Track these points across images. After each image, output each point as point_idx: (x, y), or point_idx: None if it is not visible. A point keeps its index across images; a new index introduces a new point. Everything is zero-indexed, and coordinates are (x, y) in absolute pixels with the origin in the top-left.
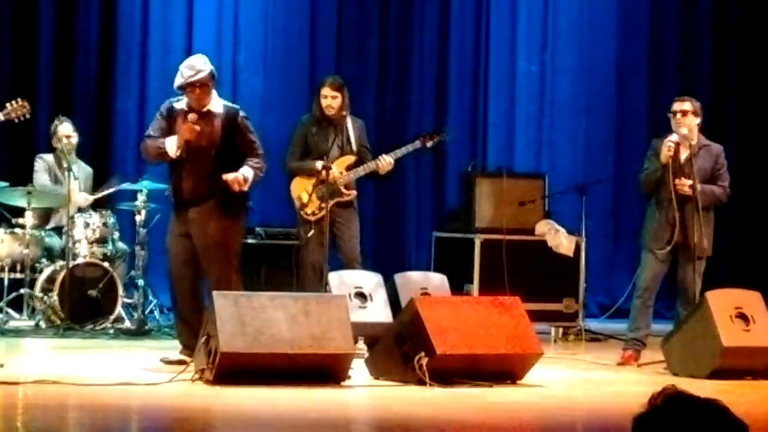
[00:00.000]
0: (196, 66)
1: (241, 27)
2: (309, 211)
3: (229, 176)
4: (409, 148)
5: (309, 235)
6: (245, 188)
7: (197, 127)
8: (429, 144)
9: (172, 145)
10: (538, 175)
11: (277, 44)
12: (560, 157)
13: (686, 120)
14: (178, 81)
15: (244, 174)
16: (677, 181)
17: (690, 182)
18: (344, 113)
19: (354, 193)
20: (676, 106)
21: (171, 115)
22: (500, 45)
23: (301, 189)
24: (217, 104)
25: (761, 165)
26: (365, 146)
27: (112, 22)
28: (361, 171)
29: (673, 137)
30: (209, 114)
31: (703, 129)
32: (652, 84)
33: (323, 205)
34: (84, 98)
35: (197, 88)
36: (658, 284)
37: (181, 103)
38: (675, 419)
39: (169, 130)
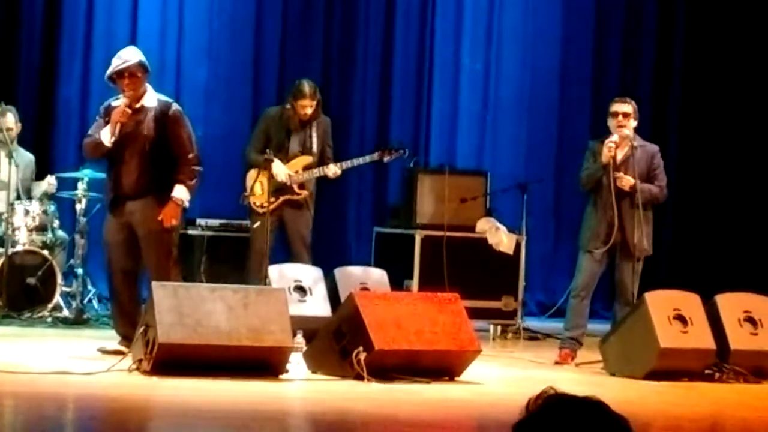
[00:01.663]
0: (124, 56)
1: (186, 17)
2: (257, 202)
3: (163, 213)
4: (366, 159)
5: (255, 226)
6: (177, 222)
7: (128, 110)
8: (386, 159)
9: (106, 134)
10: (480, 173)
11: (222, 35)
12: (502, 156)
13: (627, 122)
14: (108, 71)
15: (177, 200)
16: (618, 174)
17: (630, 178)
18: (316, 115)
19: (305, 193)
20: (617, 107)
21: (108, 113)
22: (445, 43)
23: (257, 180)
24: (150, 99)
25: (701, 167)
26: (328, 145)
27: (56, 10)
28: (315, 173)
29: (614, 138)
30: (142, 109)
31: (642, 130)
32: (594, 84)
33: (272, 199)
34: (27, 86)
35: (126, 78)
36: (594, 283)
37: (118, 101)
38: (553, 422)
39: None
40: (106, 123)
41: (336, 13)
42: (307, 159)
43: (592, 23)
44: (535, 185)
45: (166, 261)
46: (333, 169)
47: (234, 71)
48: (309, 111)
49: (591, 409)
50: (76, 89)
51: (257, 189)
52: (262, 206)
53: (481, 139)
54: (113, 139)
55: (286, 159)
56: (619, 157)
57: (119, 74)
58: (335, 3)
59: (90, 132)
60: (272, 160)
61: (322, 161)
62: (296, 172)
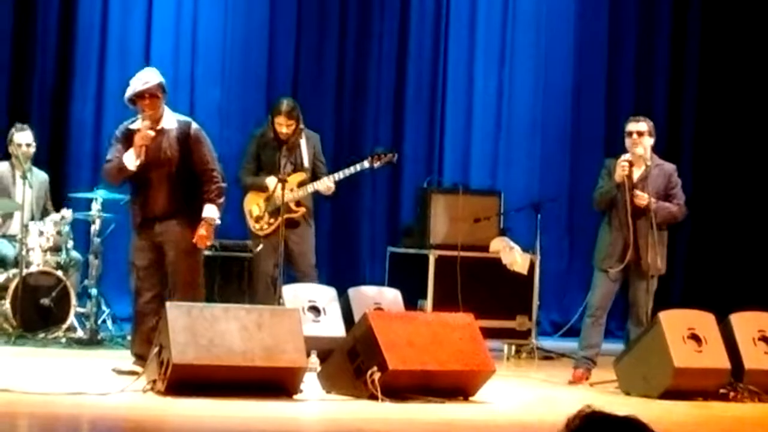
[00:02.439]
0: (144, 77)
1: (200, 37)
2: (258, 226)
3: (198, 236)
4: (357, 168)
5: (257, 249)
6: (211, 241)
7: (151, 133)
8: (377, 164)
9: (130, 158)
10: (494, 192)
11: (235, 55)
12: (516, 175)
13: (642, 140)
14: (128, 92)
15: (209, 220)
16: (635, 192)
17: (647, 195)
18: (298, 133)
19: (302, 210)
20: (632, 126)
21: (127, 136)
22: (458, 61)
23: (253, 204)
24: (170, 120)
25: (716, 186)
26: (320, 161)
27: (70, 30)
28: (309, 189)
29: (627, 156)
30: (162, 130)
31: (657, 148)
32: (608, 102)
33: (272, 220)
34: (41, 105)
35: (146, 99)
36: (609, 303)
37: (135, 124)
38: None
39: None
40: (126, 147)
41: (349, 34)
42: (301, 176)
43: (605, 41)
44: (548, 204)
45: (195, 281)
46: (325, 183)
47: (247, 91)
48: (284, 129)
49: (631, 427)
50: (90, 109)
51: (255, 211)
52: (261, 228)
53: (494, 158)
54: (138, 163)
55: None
56: (636, 175)
57: (140, 96)
58: (349, 23)
59: (109, 157)
60: (286, 180)
61: (314, 177)
62: (291, 189)
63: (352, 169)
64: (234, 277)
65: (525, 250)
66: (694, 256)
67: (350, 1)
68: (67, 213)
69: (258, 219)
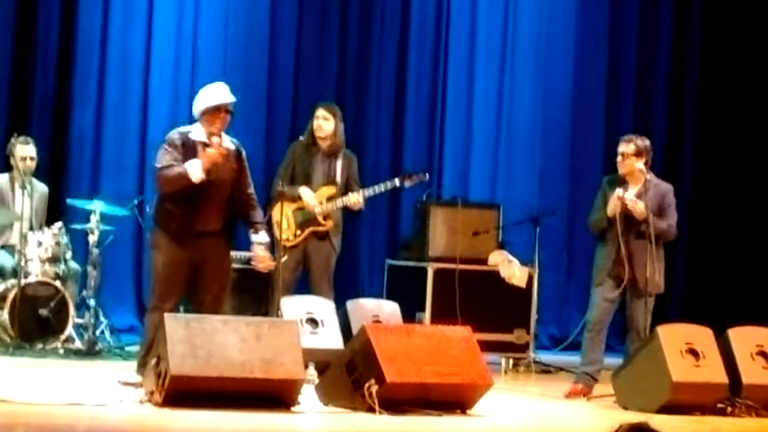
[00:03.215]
0: (223, 91)
1: (200, 45)
2: (284, 236)
3: (261, 259)
4: (388, 186)
5: (282, 260)
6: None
7: (225, 149)
8: (408, 184)
9: (196, 170)
10: (493, 206)
11: (235, 62)
12: (515, 188)
13: (626, 162)
14: (210, 102)
15: (266, 243)
16: (634, 200)
17: (643, 205)
18: (336, 141)
19: (330, 223)
20: (619, 147)
21: (187, 146)
22: (458, 72)
23: (278, 213)
24: (227, 140)
25: (715, 199)
26: (355, 181)
27: (71, 39)
28: (338, 204)
29: (619, 191)
30: (228, 150)
31: (656, 160)
32: (608, 116)
33: (299, 231)
34: (40, 115)
35: (223, 113)
36: (608, 319)
37: (195, 134)
38: None
39: (184, 162)
40: (184, 155)
41: (350, 41)
42: (331, 190)
43: (605, 50)
44: (547, 218)
45: (226, 297)
46: (354, 198)
47: (248, 98)
48: (322, 124)
49: None
50: (90, 119)
51: (284, 222)
52: (288, 239)
53: (493, 171)
54: (203, 177)
55: (313, 190)
56: (633, 193)
57: (218, 109)
58: (349, 31)
59: (165, 163)
60: (283, 193)
61: (345, 194)
62: (320, 203)
63: (382, 187)
64: (247, 290)
65: (523, 263)
66: (692, 270)
67: (351, 10)
68: (56, 230)
69: (285, 230)
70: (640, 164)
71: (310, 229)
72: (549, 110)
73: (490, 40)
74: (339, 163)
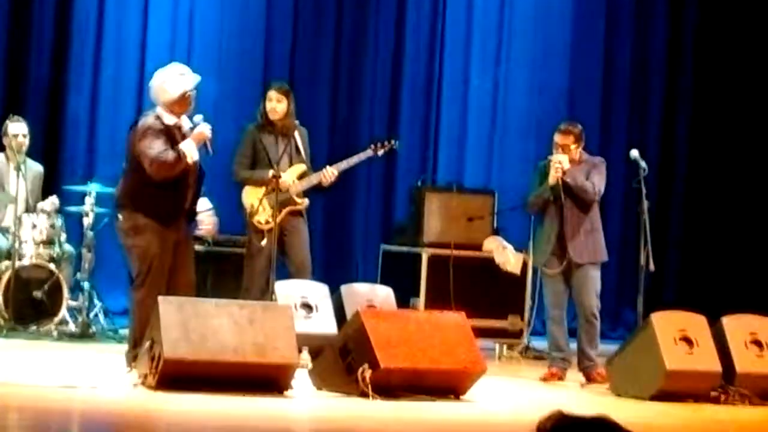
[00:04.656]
0: (190, 73)
1: (195, 33)
2: (262, 219)
3: (213, 225)
4: (361, 157)
5: (262, 243)
6: None
7: (209, 128)
8: (380, 152)
9: (192, 151)
10: (488, 192)
11: (231, 50)
12: (510, 174)
13: (567, 151)
14: (185, 86)
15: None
16: (552, 157)
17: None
18: (289, 120)
19: (306, 201)
20: (559, 139)
21: (169, 132)
22: (454, 60)
23: (253, 197)
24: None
25: (709, 187)
26: (308, 155)
27: (66, 23)
28: (313, 180)
29: (559, 157)
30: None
31: (651, 146)
32: (603, 102)
33: (275, 213)
34: (35, 99)
35: (192, 93)
36: (562, 301)
37: (168, 119)
38: None
39: (171, 147)
40: (170, 142)
41: (345, 32)
42: (301, 167)
43: (601, 43)
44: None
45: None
46: (330, 171)
47: (243, 87)
48: (276, 105)
49: (602, 428)
50: (85, 103)
51: (255, 205)
52: (266, 222)
53: (489, 157)
54: (197, 158)
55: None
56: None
57: (189, 90)
58: (344, 21)
59: (159, 148)
60: (279, 176)
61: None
62: (292, 181)
63: (355, 159)
64: (227, 274)
65: (518, 249)
66: (686, 258)
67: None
68: (54, 200)
69: (258, 213)
70: (577, 153)
71: (287, 209)
72: (544, 97)
73: (486, 26)
74: (299, 141)
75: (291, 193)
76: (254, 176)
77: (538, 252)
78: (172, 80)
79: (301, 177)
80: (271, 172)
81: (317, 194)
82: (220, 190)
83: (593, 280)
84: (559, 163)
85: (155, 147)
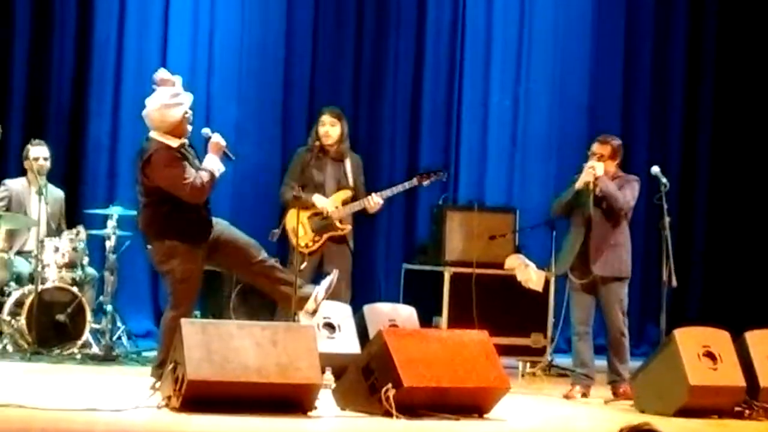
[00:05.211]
0: (180, 90)
1: (215, 55)
2: (302, 243)
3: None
4: (406, 186)
5: (302, 267)
6: None
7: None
8: (425, 183)
9: (218, 165)
10: (509, 210)
11: (251, 72)
12: (531, 192)
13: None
14: (185, 106)
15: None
16: (586, 163)
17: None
18: (343, 145)
19: (348, 227)
20: (597, 148)
21: (182, 155)
22: (474, 78)
23: (295, 220)
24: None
25: (733, 200)
26: (361, 182)
27: (86, 46)
28: (355, 207)
29: (593, 162)
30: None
31: (672, 159)
32: (624, 121)
33: (317, 237)
34: (57, 122)
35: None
36: (589, 316)
37: (174, 143)
38: None
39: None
40: (187, 161)
41: (365, 51)
42: (346, 193)
43: (621, 60)
44: (563, 222)
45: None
46: (374, 199)
47: (263, 108)
48: (329, 130)
49: None
50: (107, 126)
51: (300, 230)
52: (306, 246)
53: (510, 175)
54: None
55: (324, 196)
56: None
57: (186, 113)
58: (365, 40)
59: (190, 174)
60: (300, 197)
61: (355, 197)
62: (336, 207)
63: (400, 188)
64: (254, 293)
65: (540, 267)
66: (709, 273)
67: (366, 19)
68: (80, 230)
69: (302, 237)
70: (612, 167)
71: (328, 234)
72: (565, 115)
73: (506, 44)
74: (348, 167)
75: (333, 218)
76: (300, 199)
77: (561, 261)
78: (170, 102)
79: (345, 203)
80: (293, 193)
81: (366, 218)
82: (249, 210)
83: (619, 296)
84: (593, 168)
85: (187, 174)
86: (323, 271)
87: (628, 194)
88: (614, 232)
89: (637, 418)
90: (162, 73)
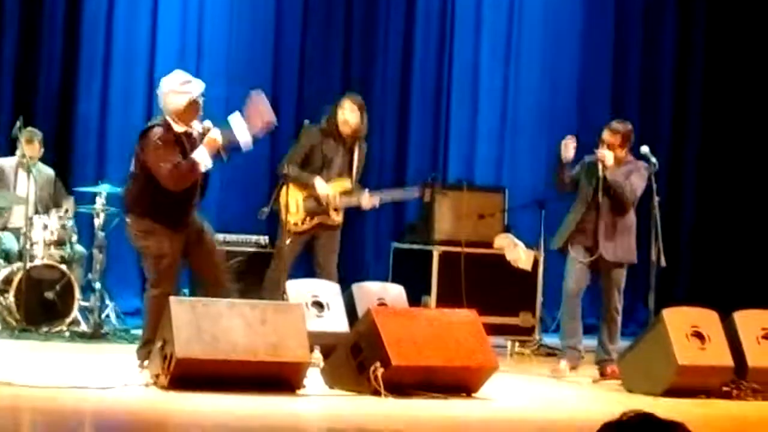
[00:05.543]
0: (194, 80)
1: (205, 39)
2: (292, 220)
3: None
4: (406, 195)
5: (287, 243)
6: None
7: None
8: (427, 198)
9: (206, 160)
10: (498, 189)
11: (240, 54)
12: (521, 172)
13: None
14: (194, 94)
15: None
16: (597, 151)
17: (609, 154)
18: (361, 135)
19: (340, 218)
20: (607, 136)
21: (179, 140)
22: (463, 58)
23: (292, 198)
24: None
25: (721, 184)
26: (359, 172)
27: (76, 29)
28: (352, 203)
29: (603, 152)
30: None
31: (662, 142)
32: (613, 100)
33: (307, 218)
34: (46, 102)
35: (200, 101)
36: (580, 292)
37: (177, 128)
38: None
39: (183, 156)
40: (180, 151)
41: (355, 32)
42: (346, 184)
43: (611, 38)
44: (553, 201)
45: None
46: (370, 201)
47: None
48: (349, 117)
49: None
50: (96, 106)
51: (292, 206)
52: (295, 224)
53: (499, 155)
54: (210, 165)
55: (326, 179)
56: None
57: (201, 95)
58: (354, 21)
59: (173, 160)
60: (289, 176)
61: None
62: (334, 196)
63: (399, 195)
64: (247, 270)
65: (529, 246)
66: (698, 253)
67: (356, 0)
68: (69, 204)
69: (293, 215)
70: (622, 153)
71: (319, 220)
72: (555, 94)
73: (496, 23)
74: (356, 155)
75: (329, 205)
76: (301, 177)
77: (559, 235)
78: (178, 89)
79: (344, 194)
80: (318, 180)
81: (357, 211)
82: (238, 190)
83: (621, 279)
84: (603, 157)
85: (169, 159)
86: (313, 252)
87: (635, 182)
88: (623, 219)
89: (625, 398)
90: None
